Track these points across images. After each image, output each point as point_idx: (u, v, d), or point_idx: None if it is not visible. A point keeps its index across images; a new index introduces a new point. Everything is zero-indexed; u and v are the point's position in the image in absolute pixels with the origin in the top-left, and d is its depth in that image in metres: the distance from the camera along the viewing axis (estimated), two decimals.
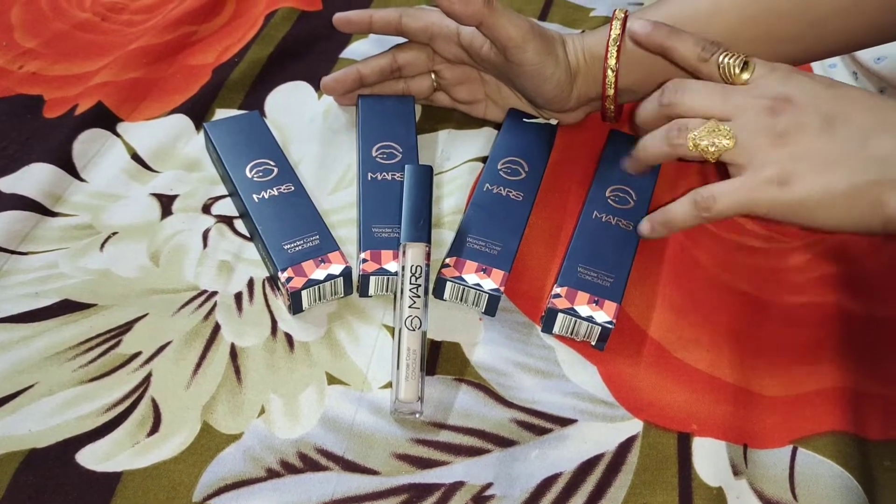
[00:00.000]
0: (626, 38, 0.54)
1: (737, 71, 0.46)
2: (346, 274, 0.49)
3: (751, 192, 0.44)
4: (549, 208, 0.57)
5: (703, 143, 0.45)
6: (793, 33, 0.52)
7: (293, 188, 0.53)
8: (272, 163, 0.55)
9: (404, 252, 0.48)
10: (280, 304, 0.50)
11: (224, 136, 0.56)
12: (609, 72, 0.55)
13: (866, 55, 0.57)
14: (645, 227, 0.50)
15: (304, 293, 0.48)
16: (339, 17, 0.60)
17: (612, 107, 0.57)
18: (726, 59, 0.47)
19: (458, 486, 0.42)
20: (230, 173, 0.54)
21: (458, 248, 0.51)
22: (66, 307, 0.49)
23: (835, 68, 0.62)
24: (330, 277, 0.49)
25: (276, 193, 0.53)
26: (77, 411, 0.44)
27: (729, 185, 0.45)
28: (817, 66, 0.65)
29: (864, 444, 0.45)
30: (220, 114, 0.63)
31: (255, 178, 0.54)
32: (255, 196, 0.52)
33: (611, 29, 0.54)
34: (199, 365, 0.47)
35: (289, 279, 0.48)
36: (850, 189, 0.42)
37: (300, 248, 0.50)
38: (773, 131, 0.44)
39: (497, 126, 0.62)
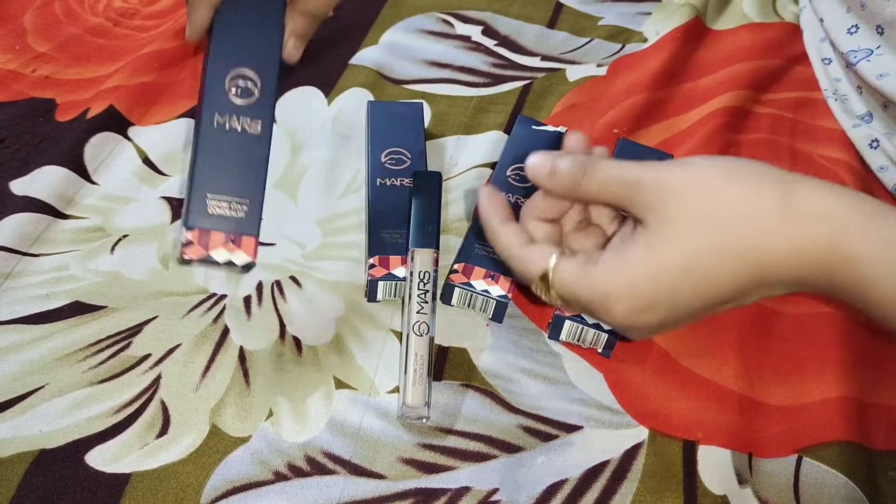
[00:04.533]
0: None
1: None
2: (248, 268, 0.43)
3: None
4: None
5: None
6: None
7: (259, 129, 0.43)
8: (256, 80, 0.44)
9: (412, 257, 0.48)
10: (289, 308, 0.50)
11: None
12: None
13: (869, 71, 0.57)
14: None
15: (195, 266, 0.42)
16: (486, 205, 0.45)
17: None
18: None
19: (464, 491, 0.43)
20: (205, 82, 0.43)
21: (466, 254, 0.51)
22: (76, 309, 0.49)
23: (840, 82, 0.62)
24: (229, 264, 0.42)
25: (237, 127, 0.42)
26: (87, 412, 0.45)
27: None
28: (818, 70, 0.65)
29: (869, 453, 0.45)
30: None
31: (232, 97, 0.43)
32: (217, 118, 0.42)
33: None
34: (207, 368, 0.47)
35: (188, 243, 0.41)
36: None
37: (222, 211, 0.42)
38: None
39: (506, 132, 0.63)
